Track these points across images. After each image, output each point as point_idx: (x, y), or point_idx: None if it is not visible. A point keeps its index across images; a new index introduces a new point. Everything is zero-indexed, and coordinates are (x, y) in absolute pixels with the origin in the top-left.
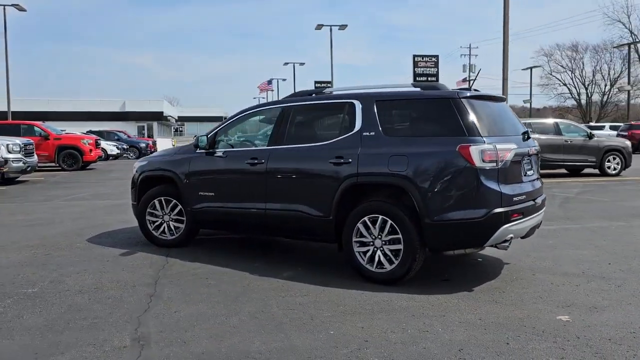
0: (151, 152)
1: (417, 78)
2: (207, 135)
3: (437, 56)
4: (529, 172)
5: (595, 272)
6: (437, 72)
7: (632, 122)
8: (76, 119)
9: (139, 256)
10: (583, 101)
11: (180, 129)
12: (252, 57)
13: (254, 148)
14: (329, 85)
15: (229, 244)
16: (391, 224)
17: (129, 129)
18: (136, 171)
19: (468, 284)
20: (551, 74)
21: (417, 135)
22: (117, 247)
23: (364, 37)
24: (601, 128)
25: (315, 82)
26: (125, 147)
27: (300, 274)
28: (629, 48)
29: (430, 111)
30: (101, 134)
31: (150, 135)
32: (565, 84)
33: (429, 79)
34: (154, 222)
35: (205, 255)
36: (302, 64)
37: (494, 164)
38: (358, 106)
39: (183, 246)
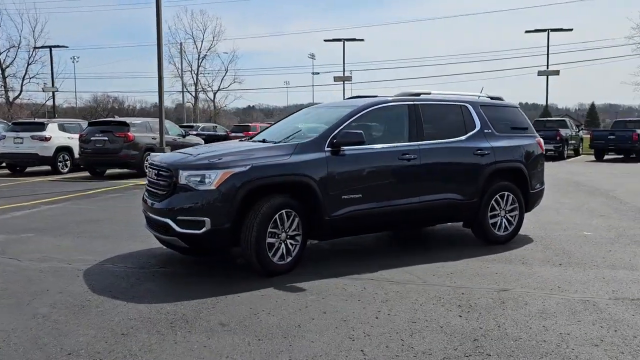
0: None
1: None
2: (359, 132)
3: None
4: None
5: None
6: None
7: None
8: None
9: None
10: None
11: None
12: None
13: (402, 144)
14: None
15: None
16: (512, 197)
17: None
18: (228, 180)
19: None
20: None
21: (511, 132)
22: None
23: None
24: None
25: None
26: None
27: (439, 257)
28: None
29: (509, 115)
30: None
31: None
32: None
33: None
34: (272, 245)
35: (360, 265)
36: None
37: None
38: (472, 109)
39: (290, 271)
